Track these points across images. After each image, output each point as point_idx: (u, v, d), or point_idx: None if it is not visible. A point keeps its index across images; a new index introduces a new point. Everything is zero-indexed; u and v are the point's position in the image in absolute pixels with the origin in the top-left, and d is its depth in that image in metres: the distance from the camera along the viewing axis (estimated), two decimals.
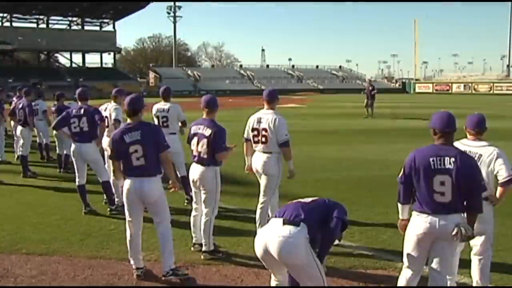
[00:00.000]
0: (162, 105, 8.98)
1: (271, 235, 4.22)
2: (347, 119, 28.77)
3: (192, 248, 6.76)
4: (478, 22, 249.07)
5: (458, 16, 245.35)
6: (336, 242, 4.77)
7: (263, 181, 6.97)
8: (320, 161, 14.06)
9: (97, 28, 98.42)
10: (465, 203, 4.32)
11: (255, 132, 6.90)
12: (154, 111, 9.02)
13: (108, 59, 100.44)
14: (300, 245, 4.14)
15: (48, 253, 6.67)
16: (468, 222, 4.30)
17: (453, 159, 4.27)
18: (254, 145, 6.98)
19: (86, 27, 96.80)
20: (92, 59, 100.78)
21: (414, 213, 4.48)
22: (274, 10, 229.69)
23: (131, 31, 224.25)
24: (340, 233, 4.50)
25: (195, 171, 6.50)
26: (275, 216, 4.40)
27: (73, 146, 8.76)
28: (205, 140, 6.32)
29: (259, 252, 4.34)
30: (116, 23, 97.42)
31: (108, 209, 8.63)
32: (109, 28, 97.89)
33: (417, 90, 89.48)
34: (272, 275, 4.64)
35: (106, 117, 9.03)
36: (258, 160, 6.96)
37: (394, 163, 13.41)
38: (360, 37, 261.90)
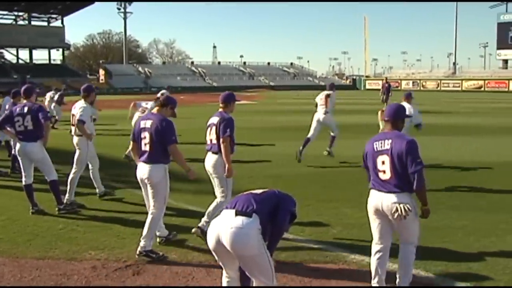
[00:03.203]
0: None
1: (224, 226, 4.21)
2: (299, 115, 28.99)
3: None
4: (426, 21, 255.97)
5: (407, 15, 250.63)
6: (285, 235, 4.82)
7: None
8: (271, 157, 14.14)
9: (45, 23, 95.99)
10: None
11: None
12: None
13: (57, 56, 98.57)
14: (253, 236, 4.16)
15: None
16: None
17: (390, 141, 5.01)
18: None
19: (33, 22, 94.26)
20: (40, 55, 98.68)
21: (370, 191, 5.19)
22: (226, 7, 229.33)
23: (80, 27, 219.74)
24: (288, 225, 4.54)
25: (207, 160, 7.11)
26: (227, 208, 4.40)
27: (18, 145, 8.54)
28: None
29: (211, 243, 4.33)
30: (65, 19, 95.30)
31: (56, 208, 8.44)
32: (58, 23, 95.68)
33: (367, 86, 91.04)
34: (224, 272, 4.65)
35: (73, 115, 8.90)
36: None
37: (347, 158, 13.67)
38: (311, 34, 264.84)
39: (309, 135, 13.44)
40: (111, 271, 5.88)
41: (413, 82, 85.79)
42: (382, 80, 42.94)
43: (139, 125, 6.57)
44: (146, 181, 6.45)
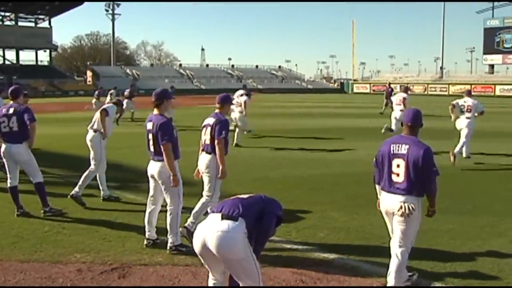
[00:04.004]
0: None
1: (210, 230, 4.21)
2: (287, 119, 29.06)
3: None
4: (413, 26, 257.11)
5: (395, 19, 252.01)
6: (272, 238, 4.83)
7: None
8: (258, 161, 14.14)
9: (32, 24, 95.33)
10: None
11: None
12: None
13: (44, 57, 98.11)
14: (239, 239, 4.15)
15: None
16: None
17: (407, 146, 5.26)
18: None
19: (20, 23, 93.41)
20: (27, 56, 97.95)
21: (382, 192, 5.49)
22: (214, 9, 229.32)
23: (68, 28, 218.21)
24: (274, 228, 4.53)
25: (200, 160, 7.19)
26: (213, 212, 4.40)
27: (3, 146, 8.43)
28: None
29: (197, 247, 4.33)
30: (52, 20, 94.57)
31: (42, 211, 8.37)
32: (45, 24, 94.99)
33: (355, 90, 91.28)
34: (210, 274, 4.64)
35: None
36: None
37: (333, 162, 13.73)
38: (299, 38, 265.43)
39: (393, 127, 16.84)
40: (96, 274, 5.84)
41: (400, 86, 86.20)
42: (385, 84, 44.33)
43: (146, 126, 6.77)
44: (157, 178, 6.65)
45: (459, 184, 10.99)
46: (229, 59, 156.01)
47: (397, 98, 17.70)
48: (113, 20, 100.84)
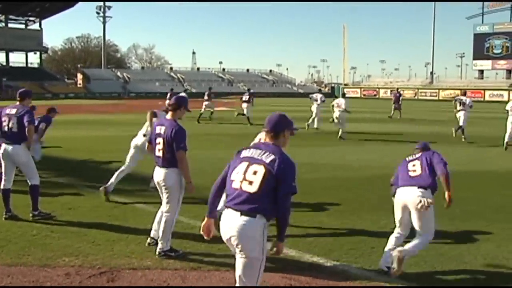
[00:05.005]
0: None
1: (231, 226, 4.15)
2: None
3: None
4: (404, 31, 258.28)
5: (385, 24, 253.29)
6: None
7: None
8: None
9: (22, 26, 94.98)
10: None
11: None
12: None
13: (34, 59, 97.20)
14: (256, 237, 4.12)
15: None
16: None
17: (419, 154, 6.43)
18: None
19: (10, 25, 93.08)
20: (17, 58, 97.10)
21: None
22: (205, 12, 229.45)
23: (58, 31, 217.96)
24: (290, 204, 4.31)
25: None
26: (229, 206, 4.24)
27: (2, 147, 8.42)
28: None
29: (224, 239, 4.28)
30: (43, 22, 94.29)
31: (31, 214, 8.31)
32: (35, 26, 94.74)
33: (346, 94, 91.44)
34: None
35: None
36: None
37: (323, 166, 13.74)
38: (290, 42, 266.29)
39: (461, 124, 20.67)
40: (85, 278, 5.81)
41: (390, 91, 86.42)
42: (393, 89, 45.58)
43: (155, 130, 6.72)
44: (161, 184, 6.60)
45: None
46: (220, 62, 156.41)
47: (461, 100, 21.47)
48: (104, 22, 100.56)
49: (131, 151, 10.02)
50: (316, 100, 24.98)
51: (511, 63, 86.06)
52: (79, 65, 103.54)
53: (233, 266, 4.13)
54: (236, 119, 28.87)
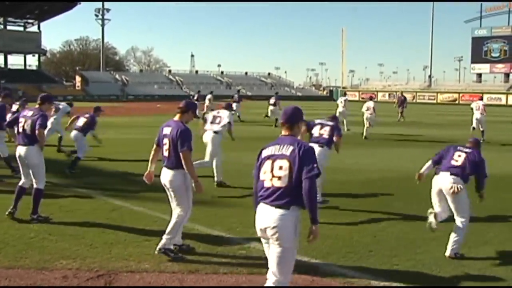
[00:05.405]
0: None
1: (265, 219, 4.45)
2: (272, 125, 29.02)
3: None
4: (402, 34, 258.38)
5: (384, 28, 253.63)
6: (254, 245, 4.91)
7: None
8: (247, 167, 14.08)
9: (21, 28, 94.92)
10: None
11: None
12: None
13: (33, 61, 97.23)
14: (289, 228, 4.39)
15: None
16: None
17: (468, 150, 7.06)
18: None
19: (8, 27, 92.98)
20: (15, 61, 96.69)
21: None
22: (204, 15, 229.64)
23: (57, 33, 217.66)
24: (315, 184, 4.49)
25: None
26: (265, 203, 4.50)
27: (18, 149, 8.57)
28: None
29: (258, 232, 4.59)
30: (42, 24, 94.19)
31: (30, 217, 8.29)
32: (34, 29, 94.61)
33: (346, 93, 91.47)
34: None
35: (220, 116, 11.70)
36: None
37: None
38: (288, 45, 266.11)
39: (474, 125, 22.15)
40: (82, 281, 5.80)
41: (389, 94, 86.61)
42: (398, 92, 45.98)
43: (161, 131, 6.80)
44: (168, 186, 6.67)
45: None
46: (219, 65, 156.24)
47: (477, 105, 22.96)
48: (102, 25, 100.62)
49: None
50: (341, 103, 26.63)
51: (509, 66, 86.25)
52: (77, 68, 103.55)
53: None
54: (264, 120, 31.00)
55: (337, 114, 24.09)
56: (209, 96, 33.78)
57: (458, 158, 6.90)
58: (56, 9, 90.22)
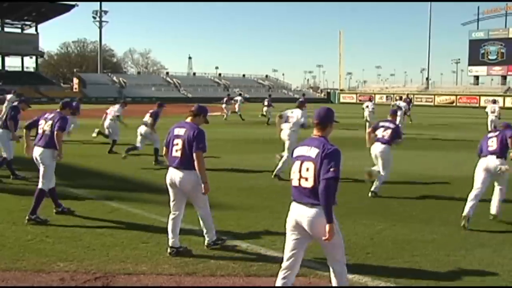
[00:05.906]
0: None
1: (303, 217, 4.72)
2: (273, 127, 29.02)
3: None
4: (400, 36, 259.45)
5: (381, 30, 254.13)
6: (257, 249, 4.99)
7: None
8: (244, 170, 14.13)
9: (19, 30, 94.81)
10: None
11: None
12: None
13: (30, 63, 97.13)
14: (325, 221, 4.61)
15: None
16: None
17: (498, 133, 8.81)
18: None
19: (6, 29, 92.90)
20: (13, 62, 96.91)
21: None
22: (201, 18, 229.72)
23: (54, 35, 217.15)
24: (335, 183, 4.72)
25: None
26: (297, 201, 4.80)
27: (34, 150, 8.68)
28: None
29: (289, 226, 4.88)
30: (39, 26, 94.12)
31: (27, 218, 8.27)
32: (32, 31, 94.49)
33: (341, 100, 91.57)
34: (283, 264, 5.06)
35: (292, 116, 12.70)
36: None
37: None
38: (286, 47, 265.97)
39: (489, 128, 22.25)
40: (80, 283, 5.79)
41: (386, 96, 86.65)
42: (403, 95, 46.18)
43: (173, 132, 6.87)
44: (180, 187, 6.72)
45: (443, 195, 11.06)
46: (216, 67, 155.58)
47: (492, 108, 25.05)
48: (100, 27, 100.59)
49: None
50: (367, 107, 26.62)
51: (506, 69, 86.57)
52: (75, 70, 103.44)
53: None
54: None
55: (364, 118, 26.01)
56: (240, 98, 39.00)
57: (492, 143, 8.62)
58: (53, 11, 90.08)
